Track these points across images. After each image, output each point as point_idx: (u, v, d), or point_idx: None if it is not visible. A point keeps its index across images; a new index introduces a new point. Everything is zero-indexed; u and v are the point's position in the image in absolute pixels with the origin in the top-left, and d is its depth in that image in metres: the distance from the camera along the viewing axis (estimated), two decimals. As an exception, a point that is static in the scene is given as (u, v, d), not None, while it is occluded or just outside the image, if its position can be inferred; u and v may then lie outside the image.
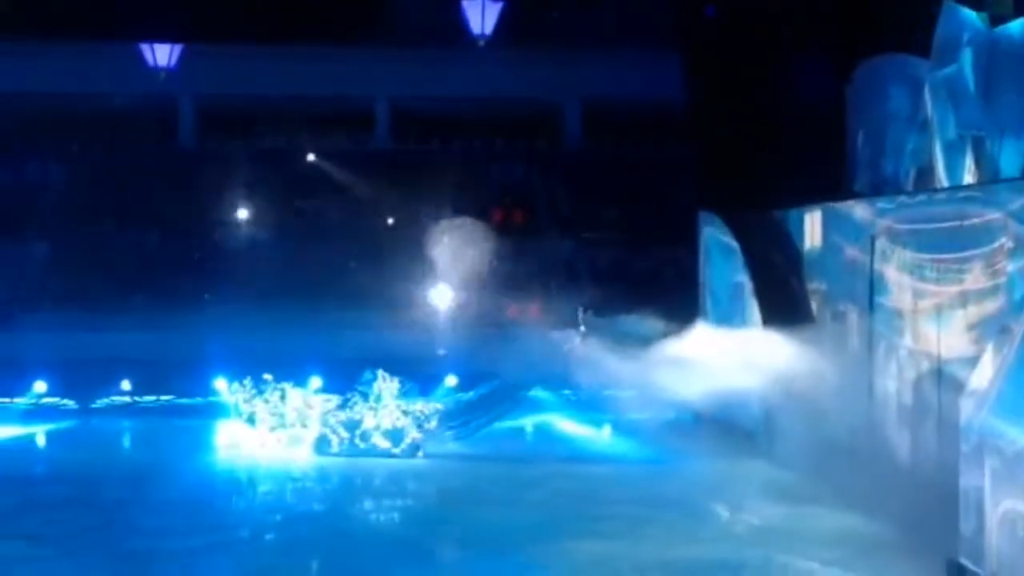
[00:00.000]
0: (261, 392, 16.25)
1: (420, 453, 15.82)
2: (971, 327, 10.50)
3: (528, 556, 10.73)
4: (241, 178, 25.27)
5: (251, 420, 16.25)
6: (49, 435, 17.26)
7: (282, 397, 16.18)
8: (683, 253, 20.53)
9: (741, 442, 15.50)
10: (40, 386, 19.90)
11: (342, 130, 26.31)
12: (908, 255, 11.95)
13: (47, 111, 25.44)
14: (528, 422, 17.91)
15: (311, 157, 25.47)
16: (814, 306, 15.04)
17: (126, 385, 19.63)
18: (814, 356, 14.04)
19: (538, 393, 17.91)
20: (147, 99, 25.23)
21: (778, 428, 14.76)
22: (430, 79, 24.82)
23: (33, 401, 19.83)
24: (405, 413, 15.95)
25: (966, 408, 9.80)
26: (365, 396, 16.01)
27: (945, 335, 11.06)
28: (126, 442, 17.54)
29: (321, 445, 15.90)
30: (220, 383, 16.95)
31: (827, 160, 15.93)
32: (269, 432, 16.14)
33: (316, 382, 18.89)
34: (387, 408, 15.90)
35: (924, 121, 13.22)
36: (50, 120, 25.43)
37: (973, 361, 10.07)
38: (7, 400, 20.00)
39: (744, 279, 16.57)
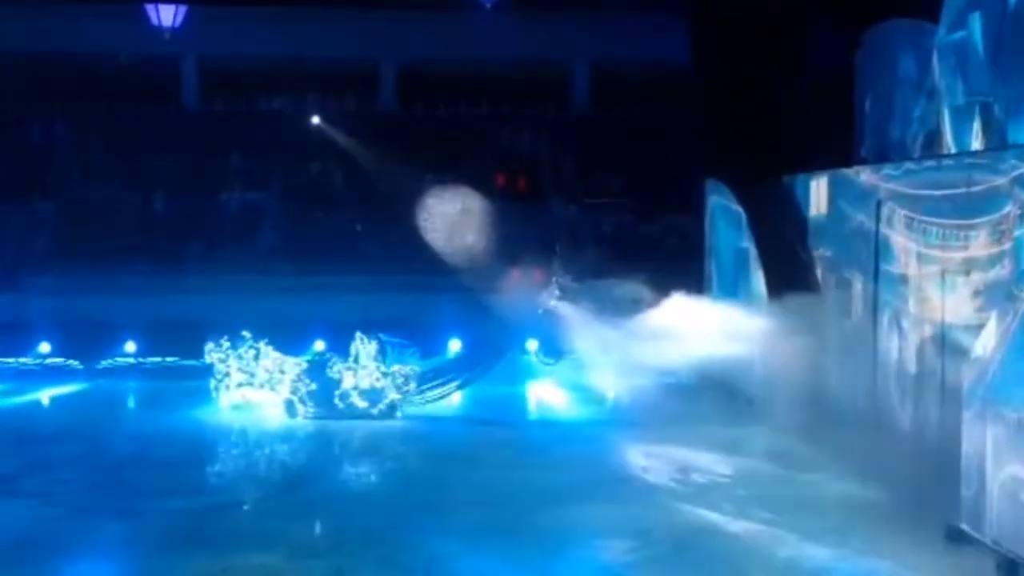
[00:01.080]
0: (236, 349, 16.27)
1: (398, 414, 15.94)
2: (976, 294, 10.51)
3: (539, 518, 10.81)
4: (245, 140, 25.19)
5: (225, 379, 16.30)
6: (55, 396, 17.33)
7: (256, 356, 16.21)
8: (689, 220, 20.51)
9: (742, 408, 15.52)
10: (45, 347, 20.02)
11: (348, 92, 26.18)
12: (914, 221, 11.94)
13: (52, 72, 25.35)
14: (520, 386, 17.89)
15: (316, 119, 25.37)
16: (819, 273, 15.04)
17: (131, 347, 19.69)
18: (818, 322, 14.06)
19: (522, 357, 17.89)
20: (151, 59, 25.13)
21: (779, 394, 14.79)
22: (437, 41, 24.68)
23: (39, 362, 19.94)
24: (384, 375, 16.04)
25: (969, 374, 9.84)
26: (344, 357, 16.09)
27: (950, 302, 11.07)
28: (131, 403, 17.62)
29: (291, 407, 15.96)
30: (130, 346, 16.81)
31: (837, 127, 15.88)
32: (239, 390, 16.17)
33: (320, 345, 19.00)
34: (366, 369, 15.99)
35: (932, 87, 13.16)
36: (55, 81, 25.34)
37: (977, 328, 10.09)
38: (13, 361, 20.14)
39: (749, 246, 16.57)
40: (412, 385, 16.21)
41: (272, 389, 16.09)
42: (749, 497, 11.55)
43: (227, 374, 16.29)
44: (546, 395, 17.60)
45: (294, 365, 16.15)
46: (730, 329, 15.30)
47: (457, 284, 19.61)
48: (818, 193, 15.14)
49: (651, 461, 13.34)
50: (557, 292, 17.11)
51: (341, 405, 15.92)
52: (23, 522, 10.68)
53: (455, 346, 18.45)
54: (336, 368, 16.05)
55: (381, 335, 18.32)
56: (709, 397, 15.91)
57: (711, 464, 13.09)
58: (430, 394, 16.47)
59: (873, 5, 15.01)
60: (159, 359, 16.42)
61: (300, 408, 15.92)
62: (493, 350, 17.31)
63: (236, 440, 14.88)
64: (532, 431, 15.58)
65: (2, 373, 19.60)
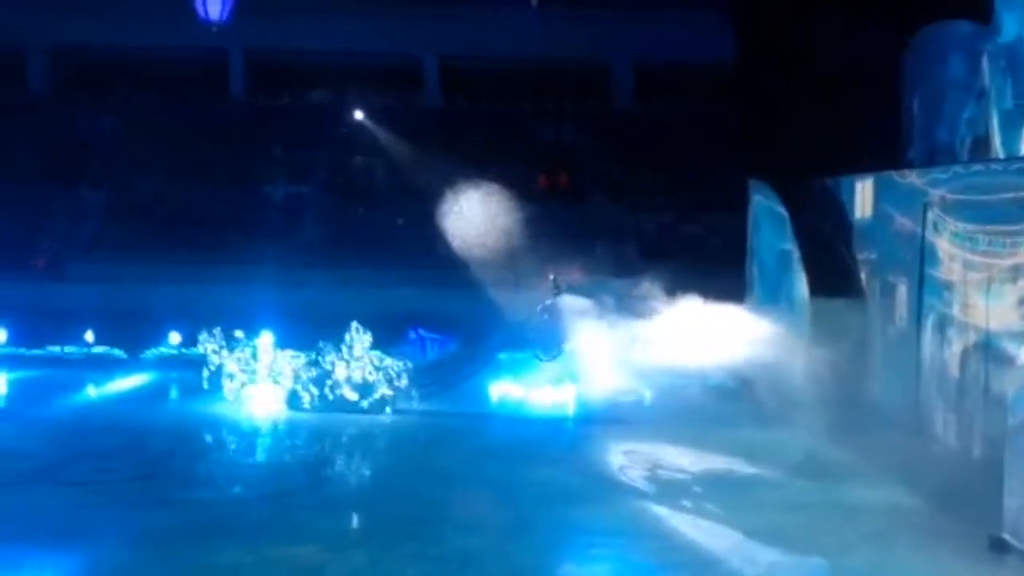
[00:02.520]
0: (231, 347, 16.32)
1: (388, 409, 15.88)
2: (1022, 301, 10.36)
3: (567, 515, 10.80)
4: (289, 133, 25.34)
5: (219, 372, 16.32)
6: (99, 385, 17.53)
7: (253, 354, 16.23)
8: (731, 220, 20.35)
9: (774, 411, 15.38)
10: (90, 336, 20.29)
11: (391, 87, 26.28)
12: (960, 226, 11.79)
13: (101, 63, 25.66)
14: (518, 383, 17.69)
15: (359, 114, 25.47)
16: (863, 276, 14.89)
17: (175, 337, 19.88)
18: (861, 326, 13.93)
19: (519, 354, 17.71)
20: (199, 52, 25.35)
21: (819, 398, 14.66)
22: (480, 37, 24.71)
23: (84, 351, 20.21)
24: (377, 368, 15.98)
25: (1015, 383, 9.70)
26: (337, 348, 16.05)
27: (995, 308, 10.92)
28: (173, 393, 17.78)
29: (294, 400, 15.99)
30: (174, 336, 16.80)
31: (881, 128, 15.70)
32: (241, 387, 16.20)
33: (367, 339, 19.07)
34: (360, 361, 15.94)
35: (981, 90, 12.99)
36: (104, 72, 25.64)
37: (1022, 335, 9.94)
38: (59, 349, 20.45)
39: (792, 247, 16.43)
40: (404, 381, 16.09)
41: (276, 382, 16.11)
42: (785, 503, 11.44)
43: (221, 365, 16.26)
44: (549, 393, 17.44)
45: (292, 358, 16.17)
46: (744, 334, 15.22)
47: (495, 280, 19.61)
48: (863, 195, 14.98)
49: (673, 462, 13.24)
50: (555, 290, 17.10)
51: (331, 396, 15.85)
52: (66, 510, 10.83)
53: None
54: (329, 358, 15.98)
55: (420, 330, 18.41)
56: (737, 399, 15.81)
57: (742, 468, 12.94)
58: (424, 391, 16.37)
59: (920, 6, 14.83)
60: (202, 350, 16.61)
61: (305, 397, 15.93)
62: (489, 347, 17.29)
63: (258, 433, 14.99)
64: (545, 429, 15.36)
65: (48, 362, 19.91)
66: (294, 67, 26.15)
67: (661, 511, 11.11)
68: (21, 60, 26.01)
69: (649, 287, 16.64)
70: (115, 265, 21.82)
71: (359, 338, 16.10)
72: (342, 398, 15.84)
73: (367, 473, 13.19)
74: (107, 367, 19.28)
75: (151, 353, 19.97)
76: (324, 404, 15.84)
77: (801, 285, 15.95)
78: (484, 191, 22.39)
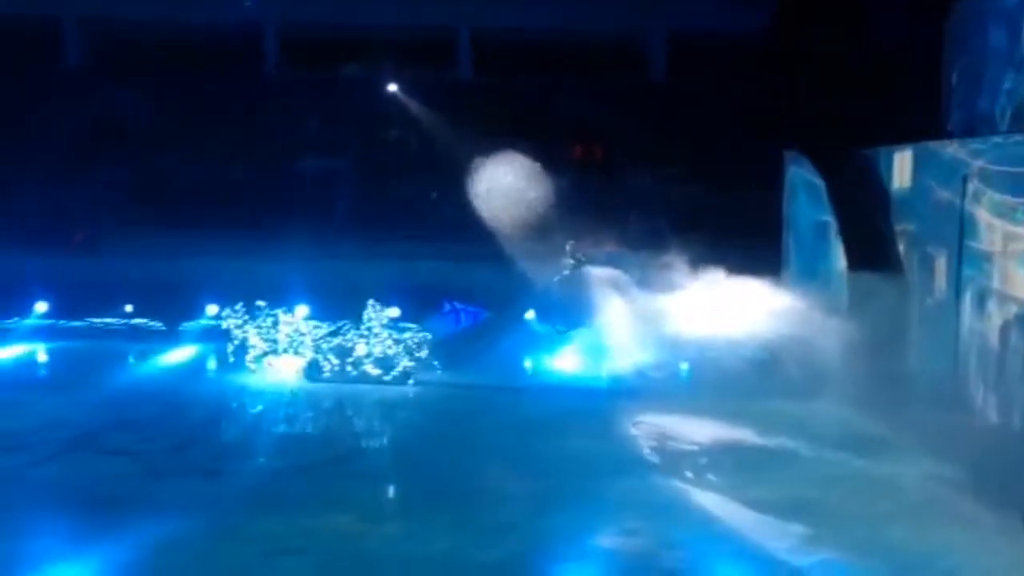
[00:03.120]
0: (253, 318, 16.46)
1: (410, 381, 16.04)
2: (1065, 273, 10.26)
3: (601, 487, 10.82)
4: (323, 107, 25.37)
5: (243, 346, 16.51)
6: (137, 356, 17.71)
7: (274, 324, 16.40)
8: (765, 192, 20.24)
9: (814, 384, 15.30)
10: (129, 308, 20.52)
11: (424, 61, 26.21)
12: (1001, 197, 11.66)
13: (132, 38, 25.73)
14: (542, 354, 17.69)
15: (393, 87, 25.45)
16: (901, 248, 14.77)
17: (211, 309, 20.02)
18: (898, 299, 13.83)
19: (537, 325, 17.52)
20: (231, 26, 25.39)
21: (855, 371, 14.58)
22: (513, 9, 24.59)
23: (123, 323, 20.45)
24: (396, 342, 16.14)
25: (1056, 356, 9.61)
26: (357, 324, 16.23)
27: (1037, 280, 10.82)
28: (210, 364, 17.94)
29: (312, 371, 16.14)
30: (211, 308, 17.04)
31: (919, 98, 15.54)
32: (262, 357, 16.39)
33: (394, 311, 19.14)
34: (379, 336, 16.10)
35: (1022, 60, 12.81)
36: (138, 47, 25.72)
37: (1065, 307, 9.85)
38: (99, 322, 20.69)
39: (830, 219, 16.32)
40: (425, 352, 16.26)
41: (296, 353, 16.30)
42: (820, 476, 11.39)
43: (245, 339, 16.47)
44: (572, 364, 17.42)
45: (313, 328, 16.34)
46: (775, 305, 15.15)
47: (526, 253, 19.56)
48: (902, 166, 14.85)
49: (704, 434, 13.17)
50: (571, 261, 17.08)
51: (354, 372, 16.07)
52: (109, 479, 10.98)
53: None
54: (349, 336, 16.18)
55: (455, 303, 18.46)
56: (770, 372, 15.74)
57: (776, 441, 12.86)
58: (446, 361, 16.51)
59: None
60: (225, 325, 16.85)
61: (325, 367, 16.10)
62: (508, 318, 17.32)
63: (289, 404, 15.07)
64: (570, 400, 15.25)
65: (88, 333, 20.15)
66: (327, 41, 26.10)
67: (692, 484, 11.10)
68: (56, 35, 26.16)
69: (672, 258, 16.58)
70: (151, 239, 21.96)
71: (377, 314, 16.25)
72: (365, 373, 16.06)
73: (399, 444, 13.25)
74: (145, 339, 19.49)
75: (189, 325, 20.14)
76: (344, 375, 16.04)
77: (838, 257, 15.86)
78: (517, 164, 22.37)
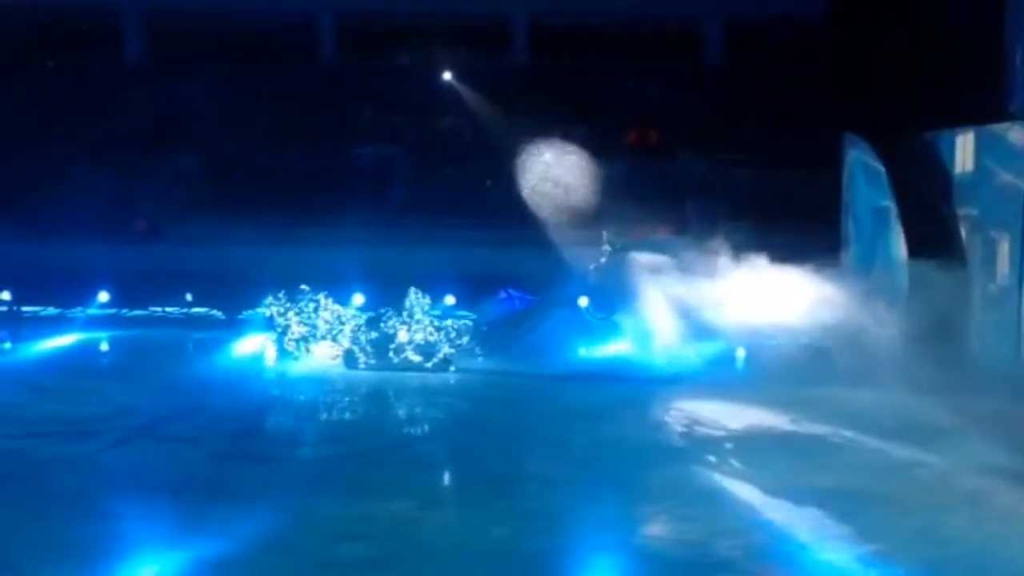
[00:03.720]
0: (294, 305, 16.64)
1: (451, 368, 16.11)
2: None
3: (655, 475, 10.81)
4: (379, 95, 25.49)
5: (285, 333, 16.69)
6: (197, 343, 17.95)
7: (315, 309, 16.54)
8: (824, 176, 20.00)
9: (875, 370, 15.11)
10: (190, 297, 20.83)
11: (479, 47, 26.23)
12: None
13: (192, 29, 26.03)
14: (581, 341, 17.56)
15: (448, 75, 25.50)
16: (963, 232, 14.54)
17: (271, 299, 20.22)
18: (960, 283, 13.62)
19: (576, 312, 17.48)
20: (289, 16, 25.62)
21: (916, 357, 14.39)
22: (568, -6, 24.53)
23: (184, 311, 20.77)
24: (437, 329, 16.22)
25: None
26: (398, 313, 16.35)
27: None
28: (266, 351, 18.12)
29: (350, 359, 16.29)
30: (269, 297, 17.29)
31: (982, 79, 15.25)
32: (299, 344, 16.56)
33: (450, 299, 19.25)
34: (420, 324, 16.20)
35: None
36: (197, 37, 26.00)
37: None
38: (160, 310, 21.05)
39: (890, 204, 16.10)
40: (465, 339, 16.33)
41: (334, 340, 16.45)
42: (881, 463, 11.27)
43: (287, 326, 16.62)
44: (616, 350, 17.32)
45: (353, 316, 16.46)
46: (832, 292, 14.98)
47: (580, 240, 19.53)
48: (964, 150, 14.61)
49: (761, 422, 13.06)
50: (609, 248, 17.02)
51: (395, 359, 16.18)
52: (171, 465, 11.18)
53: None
54: (391, 323, 16.27)
55: (510, 290, 18.50)
56: (827, 359, 15.57)
57: (835, 429, 12.68)
58: (486, 348, 16.62)
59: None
60: (268, 313, 17.07)
61: (361, 357, 16.21)
62: (547, 305, 17.30)
63: (340, 391, 15.24)
64: (616, 388, 15.17)
65: (149, 322, 20.50)
66: (383, 29, 26.23)
67: (748, 472, 11.00)
68: (117, 27, 26.54)
69: (725, 244, 16.45)
70: (211, 228, 22.23)
71: (419, 302, 16.40)
72: (406, 360, 16.19)
73: (450, 431, 13.32)
74: (206, 327, 19.77)
75: (247, 313, 20.37)
76: (382, 363, 16.14)
77: (898, 242, 15.65)
78: (572, 150, 22.33)
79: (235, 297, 20.09)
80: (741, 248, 16.41)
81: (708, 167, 24.27)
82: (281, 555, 8.51)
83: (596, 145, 23.53)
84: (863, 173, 17.35)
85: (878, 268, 16.41)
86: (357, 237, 21.62)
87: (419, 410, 14.52)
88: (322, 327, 16.54)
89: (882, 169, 16.43)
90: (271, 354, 16.59)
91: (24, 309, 21.22)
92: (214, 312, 20.38)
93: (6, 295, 21.19)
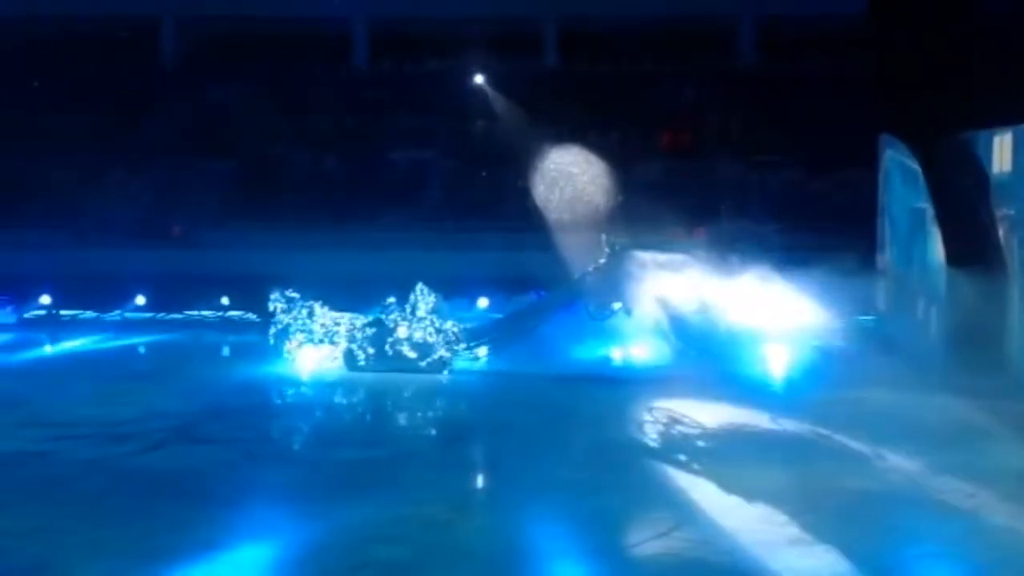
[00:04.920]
0: (290, 309, 16.68)
1: (445, 372, 16.12)
2: None
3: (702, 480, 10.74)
4: (412, 99, 25.60)
5: (285, 333, 16.70)
6: (233, 346, 18.08)
7: (310, 314, 16.58)
8: (860, 177, 19.85)
9: (913, 372, 14.95)
10: (225, 300, 20.99)
11: (511, 51, 26.28)
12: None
13: (230, 34, 26.27)
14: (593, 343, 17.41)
15: (480, 79, 25.55)
16: (1001, 233, 14.34)
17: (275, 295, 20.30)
18: (999, 284, 13.43)
19: (574, 314, 17.32)
20: (323, 21, 25.80)
21: (955, 360, 14.21)
22: (599, -1, 24.52)
23: (219, 315, 20.93)
24: (437, 331, 16.20)
25: None
26: (402, 308, 16.35)
27: None
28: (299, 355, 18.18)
29: (350, 359, 16.29)
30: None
31: (1019, 80, 15.04)
32: (299, 347, 16.58)
33: (483, 302, 19.25)
34: (422, 322, 16.22)
35: None
36: (232, 43, 26.24)
37: None
38: (195, 313, 21.24)
39: (926, 205, 15.93)
40: (462, 345, 16.33)
41: (331, 343, 16.46)
42: (924, 465, 11.12)
43: (288, 324, 16.68)
44: (623, 353, 17.19)
45: (349, 319, 16.49)
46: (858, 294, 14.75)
47: (616, 242, 19.44)
48: (1002, 150, 14.42)
49: (793, 424, 12.83)
50: (609, 250, 16.95)
51: (391, 353, 16.14)
52: (205, 466, 11.25)
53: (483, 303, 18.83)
54: (392, 316, 16.28)
55: (542, 292, 18.49)
56: (861, 362, 15.39)
57: (873, 431, 12.46)
58: (480, 350, 16.55)
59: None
60: (272, 308, 17.20)
61: (360, 355, 16.22)
62: (543, 306, 17.26)
63: (368, 394, 15.25)
64: (628, 391, 14.88)
65: (185, 325, 20.67)
66: (416, 34, 26.37)
67: (784, 474, 10.88)
68: (154, 33, 26.82)
69: (752, 245, 16.30)
70: (246, 232, 22.42)
71: (424, 299, 16.40)
72: (401, 355, 16.14)
73: (479, 435, 13.23)
74: (241, 330, 19.90)
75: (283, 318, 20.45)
76: (380, 363, 16.13)
77: (935, 243, 15.47)
78: (606, 153, 22.28)
79: (268, 300, 20.19)
80: (772, 249, 16.26)
81: (742, 169, 24.16)
82: (313, 557, 8.53)
83: (630, 148, 23.50)
84: (899, 174, 17.17)
85: (914, 269, 16.22)
86: (391, 240, 21.71)
87: (443, 414, 14.55)
88: (318, 330, 16.56)
89: (919, 170, 16.25)
90: (300, 356, 16.64)
91: (63, 313, 21.48)
92: (249, 315, 20.49)
93: (46, 299, 21.45)
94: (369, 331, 16.33)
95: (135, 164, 24.03)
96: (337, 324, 16.53)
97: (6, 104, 23.88)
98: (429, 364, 16.16)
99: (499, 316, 17.97)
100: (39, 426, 12.80)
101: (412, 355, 16.18)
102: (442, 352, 16.23)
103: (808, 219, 19.67)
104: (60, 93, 24.34)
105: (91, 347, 18.73)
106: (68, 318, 21.35)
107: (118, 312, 21.49)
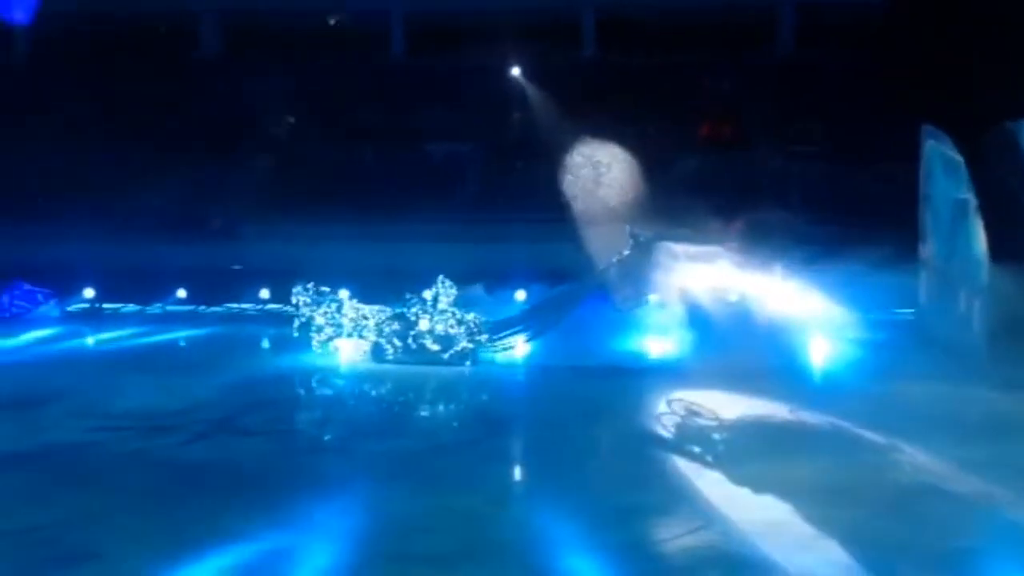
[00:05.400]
0: (319, 303, 16.82)
1: (468, 362, 16.21)
2: None
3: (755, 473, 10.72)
4: (449, 91, 25.62)
5: (308, 327, 16.87)
6: (272, 339, 18.22)
7: (338, 308, 16.73)
8: (902, 168, 19.64)
9: (955, 365, 14.80)
10: (265, 293, 21.14)
11: (549, 43, 26.22)
12: None
13: (265, 28, 26.39)
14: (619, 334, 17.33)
15: (517, 71, 25.52)
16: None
17: (342, 294, 20.44)
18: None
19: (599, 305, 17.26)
20: (360, 13, 25.86)
21: (998, 354, 14.07)
22: (639, -12, 24.40)
23: (259, 307, 21.08)
24: (459, 323, 16.29)
25: None
26: (423, 301, 16.48)
27: None
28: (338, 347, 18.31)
29: (377, 352, 16.42)
30: (343, 293, 17.39)
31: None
32: (326, 341, 16.74)
33: (520, 294, 19.27)
34: (443, 315, 16.32)
35: None
36: (268, 37, 26.36)
37: None
38: (236, 306, 21.42)
39: (969, 196, 15.76)
40: (484, 336, 16.40)
41: (360, 336, 16.61)
42: (965, 459, 11.02)
43: (311, 318, 16.83)
44: (656, 346, 17.10)
45: (377, 312, 16.61)
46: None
47: (653, 234, 19.40)
48: (1047, 140, 14.23)
49: (831, 414, 12.72)
50: (632, 241, 16.93)
51: (414, 346, 16.27)
52: (248, 458, 11.38)
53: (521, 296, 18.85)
54: (414, 310, 16.38)
55: (566, 284, 18.52)
56: (903, 353, 15.24)
57: (914, 424, 12.33)
58: (503, 343, 16.63)
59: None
60: (295, 301, 17.36)
61: (389, 349, 16.35)
62: (567, 298, 17.25)
63: (398, 385, 15.33)
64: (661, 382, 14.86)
65: (226, 318, 20.85)
66: (453, 27, 26.36)
67: (821, 468, 10.82)
68: (194, 26, 27.02)
69: (787, 237, 16.19)
70: (286, 225, 22.53)
71: (445, 292, 16.49)
72: (423, 348, 16.27)
73: (512, 428, 13.27)
74: (280, 323, 20.01)
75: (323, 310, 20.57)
76: (407, 356, 16.30)
77: (978, 235, 15.30)
78: (643, 144, 22.20)
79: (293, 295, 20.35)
80: (811, 240, 16.15)
81: (782, 160, 24.00)
82: (352, 547, 8.61)
83: (668, 140, 23.39)
84: (942, 165, 16.99)
85: (957, 261, 16.06)
86: (428, 232, 21.75)
87: (472, 407, 14.63)
88: (347, 324, 16.71)
89: (962, 160, 16.08)
90: (329, 349, 16.79)
91: (105, 306, 21.73)
92: (288, 308, 20.61)
93: (89, 292, 21.70)
94: (395, 324, 16.47)
95: (174, 158, 24.20)
96: (365, 318, 16.65)
97: (46, 99, 24.14)
98: (452, 356, 16.28)
99: (523, 308, 18.01)
100: (85, 417, 12.99)
101: (435, 348, 16.31)
102: (464, 344, 16.33)
103: (848, 211, 19.47)
104: (99, 87, 24.57)
105: (133, 340, 18.94)
106: (110, 311, 21.60)
107: (159, 305, 21.71)
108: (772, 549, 8.56)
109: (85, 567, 8.17)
